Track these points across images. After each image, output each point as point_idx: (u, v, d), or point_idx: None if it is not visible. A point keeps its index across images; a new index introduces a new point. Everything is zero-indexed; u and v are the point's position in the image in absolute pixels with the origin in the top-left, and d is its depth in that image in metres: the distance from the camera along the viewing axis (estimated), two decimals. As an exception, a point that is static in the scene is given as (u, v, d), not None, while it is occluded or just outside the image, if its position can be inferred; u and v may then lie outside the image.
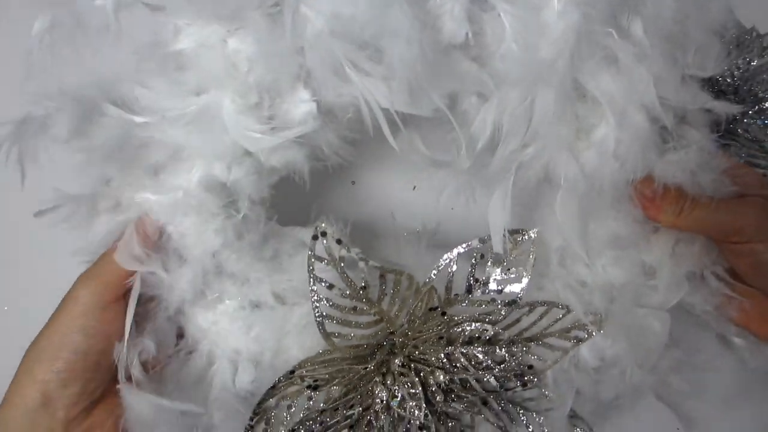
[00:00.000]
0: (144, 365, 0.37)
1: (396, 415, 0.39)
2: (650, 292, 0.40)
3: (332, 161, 0.39)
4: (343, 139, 0.38)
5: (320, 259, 0.37)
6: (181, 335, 0.41)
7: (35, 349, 0.35)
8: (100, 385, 0.36)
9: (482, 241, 0.39)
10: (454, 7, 0.33)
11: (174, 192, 0.36)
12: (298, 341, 0.40)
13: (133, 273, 0.36)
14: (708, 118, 0.38)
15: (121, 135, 0.34)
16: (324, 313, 0.37)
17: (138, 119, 0.34)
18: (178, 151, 0.35)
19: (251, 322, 0.40)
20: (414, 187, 0.50)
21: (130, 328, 0.36)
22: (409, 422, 0.39)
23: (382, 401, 0.39)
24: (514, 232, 0.39)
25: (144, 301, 0.38)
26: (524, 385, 0.40)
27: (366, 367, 0.39)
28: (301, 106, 0.35)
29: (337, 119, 0.37)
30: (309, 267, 0.37)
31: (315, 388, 0.38)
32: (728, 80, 0.54)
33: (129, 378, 0.36)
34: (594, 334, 0.39)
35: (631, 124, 0.35)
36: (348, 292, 0.37)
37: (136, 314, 0.36)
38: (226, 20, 0.34)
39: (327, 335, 0.38)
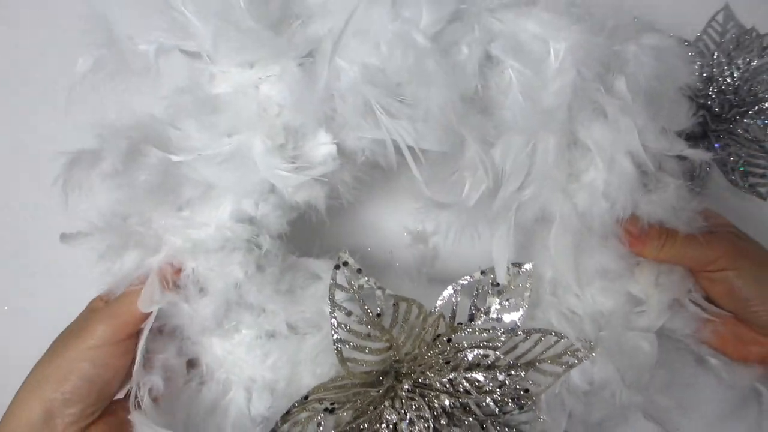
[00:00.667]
0: (154, 399, 0.39)
1: None
2: (637, 318, 0.43)
3: (346, 199, 0.42)
4: (356, 179, 0.41)
5: (341, 287, 0.39)
6: (191, 365, 0.42)
7: (44, 368, 0.38)
8: (99, 409, 0.38)
9: (483, 273, 0.42)
10: (470, 62, 0.37)
11: (202, 228, 0.38)
12: (311, 369, 0.42)
13: (148, 314, 0.38)
14: (681, 166, 0.43)
15: (160, 174, 0.36)
16: (341, 338, 0.39)
17: (174, 158, 0.36)
18: (209, 188, 0.38)
19: (267, 351, 0.41)
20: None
21: (140, 362, 0.38)
22: None
23: (389, 426, 0.41)
24: (512, 266, 0.42)
25: (155, 334, 0.39)
26: (521, 408, 0.43)
27: (378, 390, 0.41)
28: (322, 148, 0.38)
29: (352, 160, 0.40)
30: (330, 295, 0.39)
31: (332, 411, 0.40)
32: (728, 80, 0.56)
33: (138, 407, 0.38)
34: (585, 359, 0.42)
35: (618, 168, 0.39)
36: (364, 319, 0.40)
37: (147, 348, 0.38)
38: (259, 68, 0.37)
39: (343, 360, 0.40)
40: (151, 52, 0.36)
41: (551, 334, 0.43)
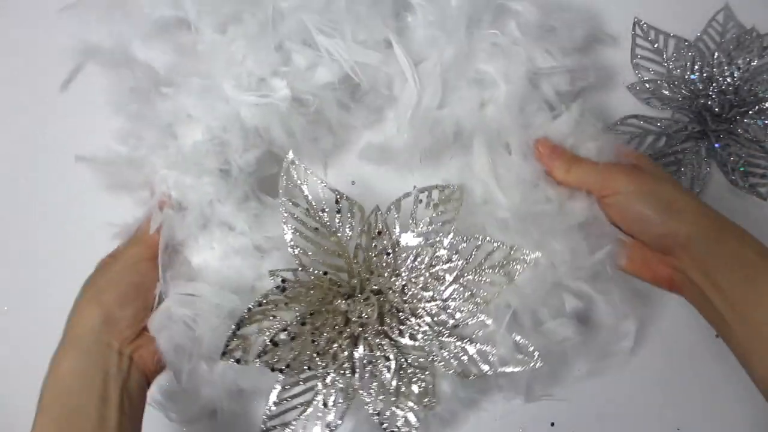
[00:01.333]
0: None
1: (360, 359, 0.46)
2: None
3: (300, 141, 0.51)
4: (313, 123, 0.51)
5: (289, 182, 0.45)
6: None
7: (95, 284, 0.45)
8: (146, 315, 0.45)
9: (421, 190, 0.47)
10: (386, 10, 0.48)
11: (181, 148, 0.47)
12: (273, 282, 0.46)
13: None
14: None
15: (148, 96, 0.48)
16: (292, 227, 0.44)
17: (164, 89, 0.47)
18: (187, 117, 0.48)
19: (233, 262, 0.48)
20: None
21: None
22: (371, 349, 0.45)
23: (342, 316, 0.46)
24: (444, 186, 0.47)
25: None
26: (471, 313, 0.46)
27: (325, 273, 0.45)
28: (277, 90, 0.48)
29: (305, 108, 0.49)
30: (280, 190, 0.44)
31: (283, 290, 0.44)
32: (728, 80, 0.57)
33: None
34: (526, 262, 0.46)
35: (516, 84, 0.49)
36: (310, 212, 0.45)
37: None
38: (231, 30, 0.48)
39: (294, 246, 0.45)
40: (152, 18, 0.49)
41: (489, 241, 0.46)
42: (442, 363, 0.46)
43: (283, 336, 0.44)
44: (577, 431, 0.55)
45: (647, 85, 0.59)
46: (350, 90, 0.51)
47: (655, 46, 0.59)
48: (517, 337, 0.46)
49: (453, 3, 0.48)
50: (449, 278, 0.46)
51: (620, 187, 0.45)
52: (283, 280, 0.44)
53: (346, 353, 0.45)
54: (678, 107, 0.58)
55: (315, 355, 0.45)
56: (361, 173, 0.57)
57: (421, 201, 0.46)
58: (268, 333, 0.44)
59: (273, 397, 0.45)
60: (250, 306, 0.43)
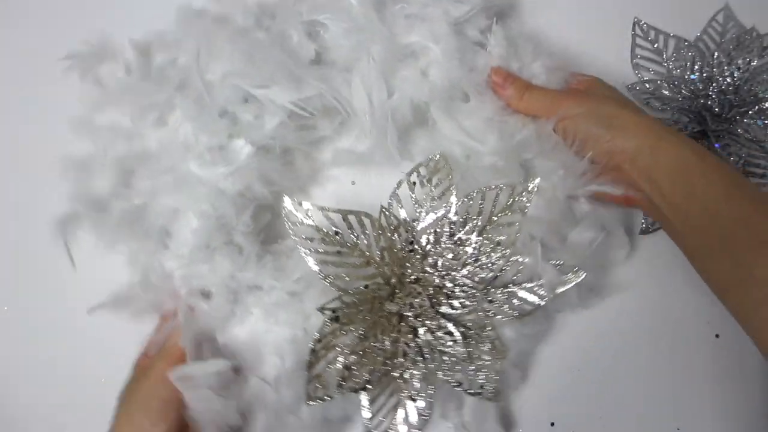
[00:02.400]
0: None
1: (421, 342, 0.47)
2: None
3: (282, 185, 0.52)
4: (286, 163, 0.53)
5: (294, 223, 0.46)
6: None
7: (128, 403, 0.45)
8: (180, 425, 0.45)
9: (408, 173, 0.48)
10: (301, 38, 0.50)
11: (184, 245, 0.48)
12: (320, 318, 0.47)
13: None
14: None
15: (130, 214, 0.48)
16: (316, 260, 0.46)
17: (137, 201, 0.49)
18: (175, 212, 0.49)
19: (277, 317, 0.49)
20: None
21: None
22: (433, 333, 0.47)
23: (396, 314, 0.47)
24: (427, 161, 0.48)
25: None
26: (503, 260, 0.48)
27: (366, 287, 0.47)
28: (240, 150, 0.49)
29: (271, 153, 0.51)
30: (291, 234, 0.46)
31: (337, 319, 0.46)
32: (728, 80, 0.58)
33: None
34: (531, 193, 0.48)
35: (442, 37, 0.51)
36: (326, 240, 0.46)
37: None
38: (171, 118, 0.50)
39: (326, 276, 0.46)
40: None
41: (489, 189, 0.48)
42: (499, 315, 0.48)
43: (352, 358, 0.46)
44: (577, 431, 0.55)
45: (647, 85, 0.59)
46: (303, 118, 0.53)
47: (655, 46, 0.59)
48: (553, 262, 0.48)
49: (354, 2, 0.50)
50: (473, 238, 0.48)
51: (568, 110, 0.48)
52: (333, 311, 0.46)
53: (412, 346, 0.47)
54: (678, 107, 0.58)
55: (387, 361, 0.47)
56: (357, 173, 0.58)
57: (414, 183, 0.48)
58: (337, 363, 0.45)
59: (365, 414, 0.47)
60: (311, 346, 0.45)
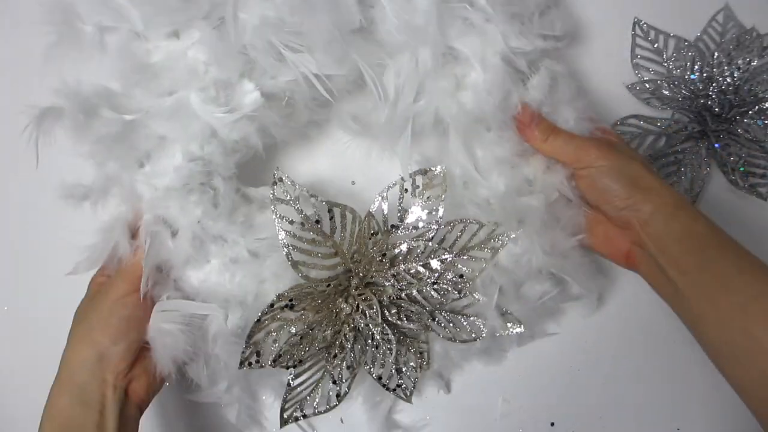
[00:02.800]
0: None
1: (362, 336, 0.49)
2: (529, 192, 0.51)
3: (279, 138, 0.50)
4: (288, 116, 0.50)
5: (280, 200, 0.46)
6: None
7: (86, 320, 0.46)
8: (137, 346, 0.46)
9: (403, 179, 0.49)
10: (350, 3, 0.45)
11: (164, 176, 0.46)
12: (274, 285, 0.49)
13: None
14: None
15: (116, 130, 0.45)
16: (289, 243, 0.46)
17: (127, 117, 0.45)
18: (161, 140, 0.46)
19: (233, 273, 0.48)
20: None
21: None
22: (373, 338, 0.49)
23: (348, 323, 0.49)
24: (427, 170, 0.49)
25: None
26: (459, 292, 0.49)
27: (328, 285, 0.48)
28: (248, 95, 0.46)
29: (277, 102, 0.48)
30: (272, 207, 0.46)
31: (291, 307, 0.47)
32: (728, 80, 0.57)
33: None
34: (508, 239, 0.49)
35: (491, 67, 0.48)
36: (306, 226, 0.46)
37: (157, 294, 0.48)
38: (184, 37, 0.45)
39: (295, 264, 0.47)
40: (95, 33, 0.45)
41: (472, 222, 0.49)
42: (437, 332, 0.51)
43: (293, 340, 0.47)
44: (577, 431, 0.55)
45: (647, 85, 0.58)
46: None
47: (655, 46, 0.59)
48: (502, 308, 0.50)
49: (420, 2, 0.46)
50: (439, 265, 0.49)
51: (593, 161, 0.48)
52: (290, 299, 0.47)
53: (350, 342, 0.49)
54: (678, 107, 0.58)
55: (324, 348, 0.49)
56: (358, 172, 0.58)
57: (406, 190, 0.48)
58: (277, 335, 0.47)
59: (290, 381, 0.50)
60: (258, 316, 0.46)
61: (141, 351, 0.47)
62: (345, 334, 0.49)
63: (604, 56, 0.59)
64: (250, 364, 0.47)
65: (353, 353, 0.49)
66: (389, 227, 0.48)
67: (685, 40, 0.59)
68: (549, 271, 0.50)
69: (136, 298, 0.46)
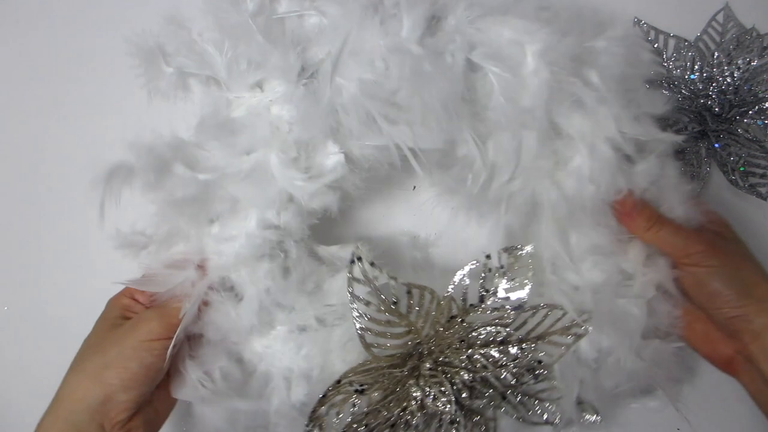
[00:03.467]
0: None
1: (429, 413, 0.46)
2: (627, 290, 0.47)
3: (358, 198, 0.47)
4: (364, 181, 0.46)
5: (357, 280, 0.43)
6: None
7: (103, 354, 0.42)
8: (146, 399, 0.43)
9: (488, 256, 0.45)
10: (455, 68, 0.41)
11: (234, 241, 0.43)
12: (341, 356, 0.46)
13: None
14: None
15: (190, 191, 0.41)
16: (363, 327, 0.43)
17: (201, 177, 0.41)
18: (235, 203, 0.43)
19: (300, 343, 0.46)
20: (414, 187, 0.55)
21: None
22: (441, 418, 0.45)
23: (416, 400, 0.45)
24: (514, 249, 0.45)
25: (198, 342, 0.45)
26: (536, 377, 0.46)
27: (402, 371, 0.45)
28: (331, 158, 0.43)
29: (359, 166, 0.45)
30: (349, 288, 0.43)
31: (361, 392, 0.44)
32: (728, 80, 0.57)
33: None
34: (589, 330, 0.45)
35: (599, 153, 0.43)
36: (382, 308, 0.43)
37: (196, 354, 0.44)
38: (269, 90, 0.42)
39: (367, 346, 0.44)
40: (173, 77, 0.43)
41: (557, 308, 0.46)
42: (507, 411, 0.47)
43: (357, 414, 0.45)
44: (578, 431, 0.55)
45: (647, 85, 0.59)
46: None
47: (655, 46, 0.59)
48: (578, 397, 0.47)
49: (531, 61, 0.41)
50: (517, 351, 0.46)
51: (702, 259, 0.44)
52: (361, 384, 0.44)
53: (416, 420, 0.46)
54: (678, 107, 0.57)
55: (390, 426, 0.46)
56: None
57: (490, 270, 0.45)
58: (340, 409, 0.44)
59: None
60: (324, 392, 0.43)
61: (146, 401, 0.43)
62: (412, 412, 0.46)
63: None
64: None
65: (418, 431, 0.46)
66: (468, 306, 0.45)
67: (685, 40, 0.58)
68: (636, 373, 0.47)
69: (163, 345, 0.42)
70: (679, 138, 0.46)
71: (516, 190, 0.45)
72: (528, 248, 0.45)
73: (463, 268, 0.45)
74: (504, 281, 0.45)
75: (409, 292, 0.44)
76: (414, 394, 0.45)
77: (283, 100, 0.41)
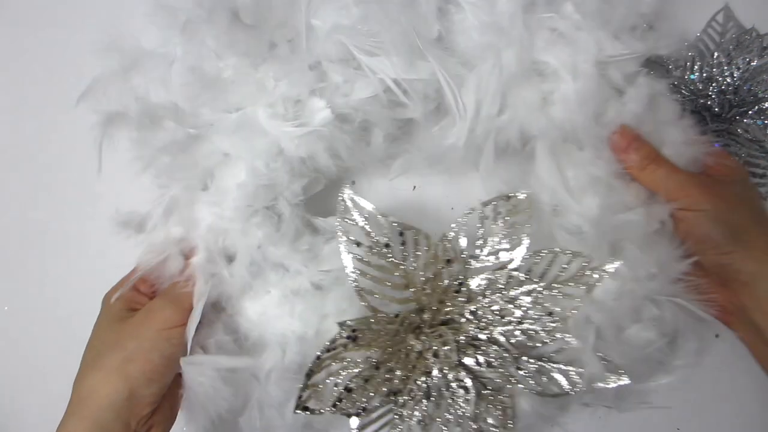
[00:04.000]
0: None
1: (436, 385, 0.43)
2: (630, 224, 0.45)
3: (349, 162, 0.47)
4: (359, 139, 0.46)
5: (347, 219, 0.42)
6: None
7: (121, 348, 0.41)
8: (165, 391, 0.42)
9: (485, 204, 0.43)
10: (429, 8, 0.43)
11: (225, 196, 0.43)
12: (337, 320, 0.43)
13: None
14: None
15: (179, 142, 0.43)
16: (356, 269, 0.42)
17: (192, 131, 0.43)
18: (225, 157, 0.44)
19: (293, 306, 0.44)
20: (414, 187, 0.54)
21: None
22: (448, 387, 0.43)
23: (417, 354, 0.43)
24: (508, 197, 0.43)
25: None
26: (549, 333, 0.43)
27: (398, 319, 0.43)
28: (318, 113, 0.43)
29: (348, 124, 0.45)
30: (336, 222, 0.42)
31: (354, 339, 0.41)
32: (728, 80, 0.56)
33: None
34: (606, 273, 0.42)
35: (584, 77, 0.43)
36: (374, 250, 0.42)
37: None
38: (254, 56, 0.44)
39: (360, 290, 0.42)
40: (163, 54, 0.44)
41: (563, 252, 0.43)
42: (522, 385, 0.43)
43: (356, 381, 0.42)
44: (577, 431, 0.55)
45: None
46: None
47: (655, 45, 0.59)
48: (600, 354, 0.43)
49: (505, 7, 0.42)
50: (525, 300, 0.43)
51: (693, 202, 0.42)
52: (353, 330, 0.42)
53: (422, 389, 0.43)
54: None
55: (391, 395, 0.43)
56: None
57: (487, 217, 0.43)
58: (340, 378, 0.42)
59: None
60: (318, 353, 0.41)
61: (164, 396, 0.42)
62: (416, 379, 0.43)
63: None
64: (306, 408, 0.41)
65: (425, 405, 0.43)
66: (466, 257, 0.43)
67: (685, 40, 0.59)
68: (657, 299, 0.43)
69: (182, 332, 0.41)
70: (662, 46, 0.46)
71: (504, 125, 0.44)
72: (524, 194, 0.43)
73: (457, 219, 0.44)
74: (502, 229, 0.43)
75: (401, 234, 0.42)
76: (413, 344, 0.43)
77: (268, 58, 0.43)
